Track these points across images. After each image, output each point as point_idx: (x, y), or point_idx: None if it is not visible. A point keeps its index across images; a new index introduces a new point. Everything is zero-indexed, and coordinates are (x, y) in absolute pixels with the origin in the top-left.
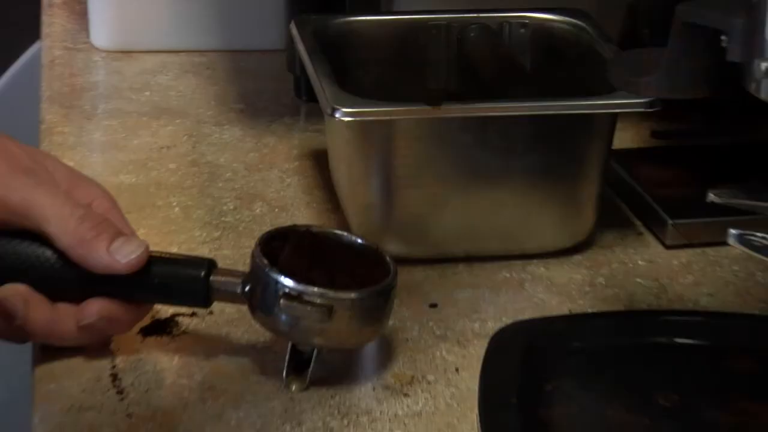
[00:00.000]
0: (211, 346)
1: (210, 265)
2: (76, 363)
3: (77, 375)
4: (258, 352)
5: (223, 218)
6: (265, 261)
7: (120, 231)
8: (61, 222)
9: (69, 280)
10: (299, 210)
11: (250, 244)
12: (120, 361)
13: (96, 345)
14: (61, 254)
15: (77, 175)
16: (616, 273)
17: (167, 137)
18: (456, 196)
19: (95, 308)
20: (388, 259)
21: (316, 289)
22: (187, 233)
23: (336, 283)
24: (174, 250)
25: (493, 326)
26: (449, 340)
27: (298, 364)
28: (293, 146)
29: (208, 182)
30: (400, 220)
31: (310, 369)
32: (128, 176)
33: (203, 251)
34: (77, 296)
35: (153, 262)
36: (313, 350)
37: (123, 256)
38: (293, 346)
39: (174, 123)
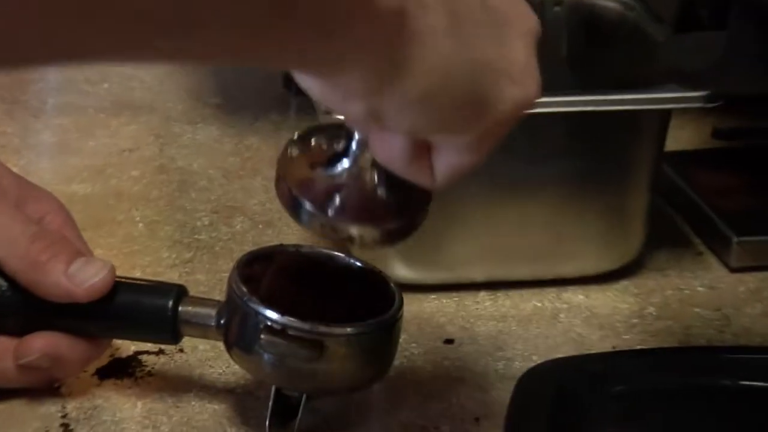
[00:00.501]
0: (180, 390)
1: (179, 292)
2: (19, 409)
3: (20, 424)
4: (237, 398)
5: (196, 236)
6: (244, 288)
7: (78, 251)
8: (9, 242)
9: (12, 309)
10: (288, 226)
11: (228, 267)
12: (72, 408)
13: (43, 388)
14: (8, 279)
15: (27, 184)
16: (670, 301)
17: (129, 138)
18: (476, 210)
19: (38, 344)
20: (392, 285)
21: (304, 322)
22: (152, 254)
23: (329, 314)
24: (137, 274)
25: (520, 366)
26: (468, 383)
27: (284, 412)
28: (280, 148)
29: (179, 192)
30: (409, 239)
31: (298, 419)
32: (82, 185)
33: (172, 276)
34: (19, 329)
35: (112, 288)
36: (302, 396)
37: (83, 281)
38: (278, 391)
39: (138, 121)
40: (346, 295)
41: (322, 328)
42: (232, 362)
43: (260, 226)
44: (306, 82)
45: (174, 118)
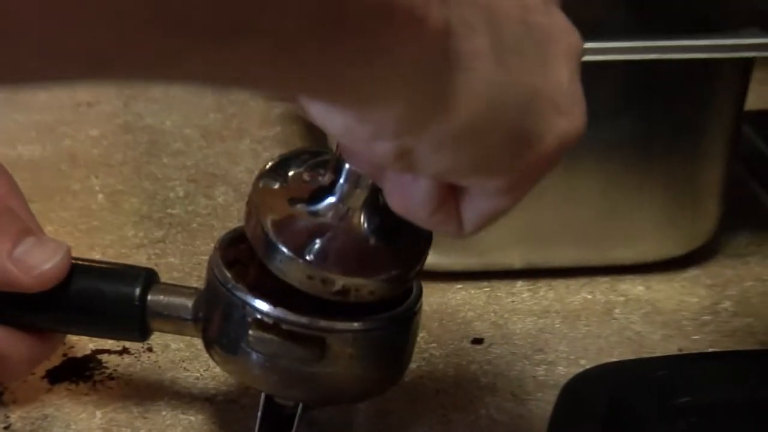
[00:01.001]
0: (148, 397)
1: (148, 278)
2: None
3: None
4: (217, 408)
5: (168, 210)
6: (228, 273)
7: (26, 228)
8: None
9: None
10: None
11: (207, 248)
12: (17, 418)
13: None
14: None
15: None
16: (750, 294)
17: (87, 89)
18: None
19: None
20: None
21: (301, 315)
22: (115, 232)
23: (331, 306)
24: (96, 257)
25: (565, 372)
26: (501, 392)
27: (276, 425)
28: (273, 104)
29: (148, 157)
30: None
31: None
32: (29, 147)
33: (139, 259)
34: None
35: (69, 273)
36: (297, 406)
37: (32, 267)
38: (268, 399)
39: None
40: None
41: (324, 323)
42: (211, 364)
43: (247, 199)
44: (325, 116)
45: None
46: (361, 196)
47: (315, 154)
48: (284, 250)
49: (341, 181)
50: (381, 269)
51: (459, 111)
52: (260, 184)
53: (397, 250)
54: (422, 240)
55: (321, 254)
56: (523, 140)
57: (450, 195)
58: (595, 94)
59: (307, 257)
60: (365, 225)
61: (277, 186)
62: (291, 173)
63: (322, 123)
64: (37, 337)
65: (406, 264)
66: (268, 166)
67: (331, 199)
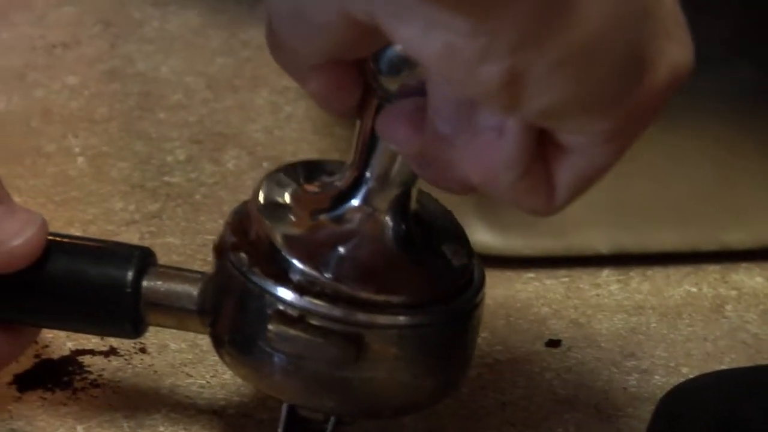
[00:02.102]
0: (142, 409)
1: (143, 259)
2: None
3: None
4: (228, 422)
5: (165, 178)
6: (243, 254)
7: None
8: None
9: None
10: None
11: (214, 226)
12: None
13: None
14: None
15: None
16: None
17: (64, 27)
18: None
19: None
20: (471, 253)
21: (333, 305)
22: (99, 205)
23: (369, 296)
24: (75, 233)
25: (662, 383)
26: (582, 406)
27: None
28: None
29: (140, 111)
30: None
31: None
32: None
33: (129, 238)
34: None
35: (45, 251)
36: (327, 420)
37: (1, 242)
38: (292, 411)
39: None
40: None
41: (362, 317)
42: (220, 368)
43: (264, 164)
44: (422, 38)
45: None
46: (388, 197)
47: (317, 163)
48: (296, 265)
49: (366, 175)
50: (415, 287)
51: (577, 25)
52: (261, 193)
53: (432, 264)
54: (462, 251)
55: (340, 267)
56: (635, 68)
57: (538, 158)
58: (702, 33)
59: (326, 274)
60: (394, 234)
61: (282, 196)
62: (299, 179)
63: (415, 48)
64: (4, 331)
65: (446, 281)
66: (268, 175)
67: (351, 202)
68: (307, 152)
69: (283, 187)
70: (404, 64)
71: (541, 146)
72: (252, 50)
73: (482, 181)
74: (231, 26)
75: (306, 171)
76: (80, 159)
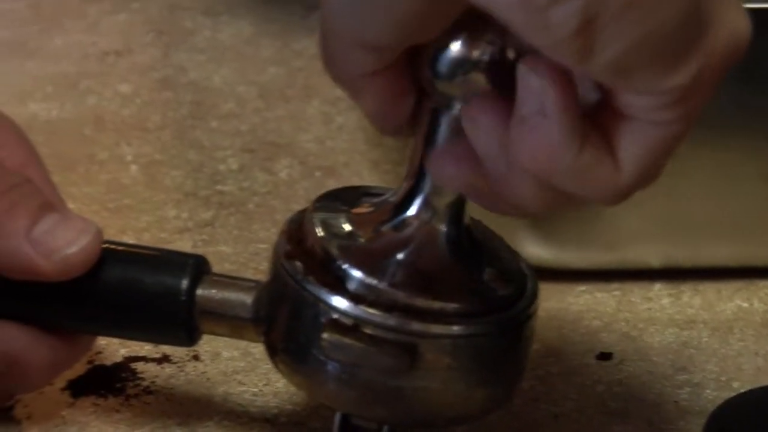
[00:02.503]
0: (194, 416)
1: (198, 268)
2: None
3: None
4: (281, 430)
5: (218, 186)
6: (298, 263)
7: (48, 203)
8: None
9: None
10: (359, 174)
11: (267, 234)
12: None
13: None
14: None
15: None
16: None
17: (117, 35)
18: None
19: None
20: (523, 266)
21: (387, 314)
22: (152, 212)
23: (422, 305)
24: (128, 241)
25: (713, 396)
26: (634, 419)
27: None
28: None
29: (192, 120)
30: None
31: None
32: (44, 105)
33: (182, 246)
34: None
35: (100, 259)
36: (381, 429)
37: (54, 249)
38: (345, 420)
39: (129, 8)
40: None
41: (416, 326)
42: (272, 377)
43: (317, 174)
44: None
45: (184, 6)
46: (444, 207)
47: (362, 188)
48: (355, 274)
49: (422, 186)
50: (469, 296)
51: None
52: (315, 212)
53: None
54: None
55: (397, 277)
56: (697, 24)
57: (595, 132)
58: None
59: (381, 282)
60: (449, 243)
61: (335, 213)
62: (347, 201)
63: None
64: (60, 339)
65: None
66: (316, 199)
67: (410, 210)
68: (359, 162)
69: (333, 210)
70: (460, 67)
71: (600, 121)
72: (304, 60)
73: (542, 169)
74: (283, 36)
75: (353, 196)
76: (133, 167)
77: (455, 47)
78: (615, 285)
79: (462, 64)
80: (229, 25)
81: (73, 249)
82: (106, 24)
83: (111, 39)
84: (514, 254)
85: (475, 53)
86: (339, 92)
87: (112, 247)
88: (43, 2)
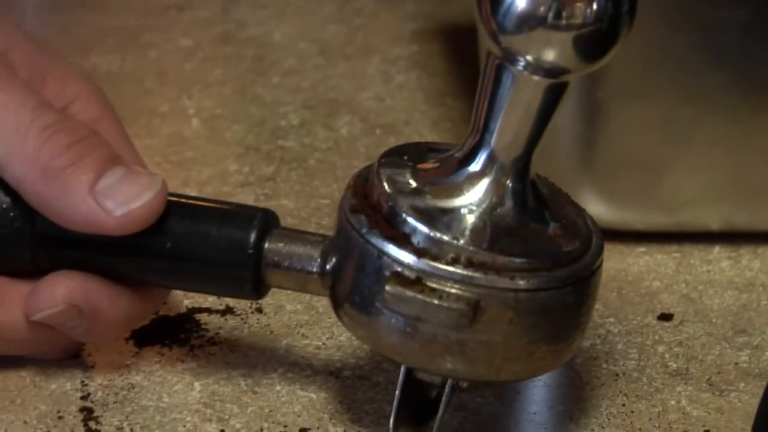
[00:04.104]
0: (259, 368)
1: (266, 221)
2: (23, 386)
3: (24, 408)
4: (344, 384)
5: (280, 141)
6: (363, 217)
7: (115, 156)
8: (13, 135)
9: (16, 238)
10: (419, 132)
11: (328, 190)
12: (98, 386)
13: (58, 357)
14: (10, 192)
15: (48, 56)
16: None
17: None
18: (715, 121)
19: (61, 290)
20: (588, 221)
21: (450, 267)
22: (214, 165)
23: (486, 259)
24: (191, 194)
25: None
26: (694, 379)
27: (417, 406)
28: (408, 14)
29: (253, 75)
30: (610, 160)
31: (438, 418)
32: (106, 58)
33: (244, 199)
34: (32, 267)
35: (167, 212)
36: (445, 382)
37: (119, 204)
38: (409, 374)
39: None
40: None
41: (478, 279)
42: (336, 331)
43: (377, 131)
44: None
45: None
46: (509, 162)
47: (428, 144)
48: (420, 227)
49: (488, 140)
50: (533, 251)
51: None
52: (381, 167)
53: (551, 229)
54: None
55: (461, 231)
56: None
57: None
58: None
59: (446, 235)
60: (514, 198)
61: (401, 168)
62: (413, 157)
63: None
64: (136, 291)
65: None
66: (382, 154)
67: (475, 168)
68: (419, 121)
69: (399, 165)
70: (526, 21)
71: None
72: (364, 19)
73: None
74: None
75: (416, 152)
76: (194, 120)
77: (522, 1)
78: (674, 247)
79: (528, 19)
80: None
81: (136, 204)
82: None
83: None
84: (580, 210)
85: (542, 8)
86: (399, 51)
87: (181, 200)
88: None
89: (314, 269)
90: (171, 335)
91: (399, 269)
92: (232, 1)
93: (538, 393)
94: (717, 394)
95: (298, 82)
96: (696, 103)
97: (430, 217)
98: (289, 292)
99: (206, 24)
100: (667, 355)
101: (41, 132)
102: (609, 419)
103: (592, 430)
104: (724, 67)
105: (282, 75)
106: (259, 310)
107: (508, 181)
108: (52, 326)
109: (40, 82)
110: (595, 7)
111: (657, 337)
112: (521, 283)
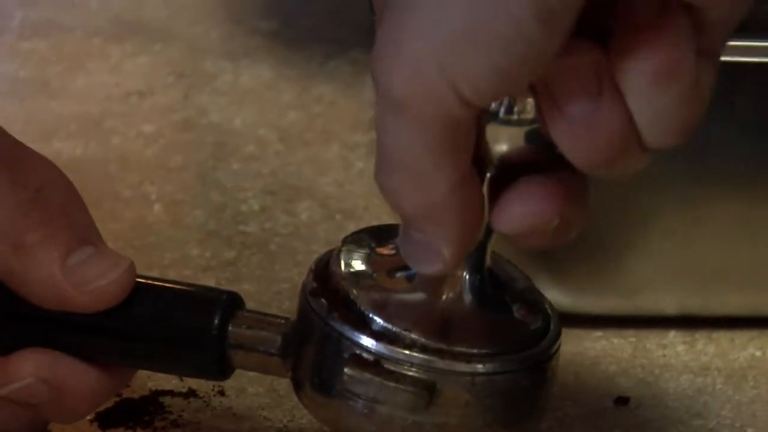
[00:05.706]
0: None
1: (230, 303)
2: None
3: None
4: None
5: (241, 227)
6: (323, 301)
7: (84, 236)
8: None
9: None
10: (378, 217)
11: (288, 274)
12: None
13: None
14: None
15: (20, 147)
16: None
17: (139, 76)
18: (671, 210)
19: (29, 365)
20: (546, 305)
21: (407, 351)
22: (176, 250)
23: (442, 347)
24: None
25: None
26: None
27: None
28: (367, 102)
29: (214, 161)
30: (566, 245)
31: None
32: (68, 144)
33: (206, 283)
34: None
35: (134, 293)
36: None
37: (87, 280)
38: None
39: (151, 50)
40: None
41: (435, 363)
42: (297, 412)
43: (337, 217)
44: None
45: (205, 50)
46: (468, 257)
47: (388, 228)
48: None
49: None
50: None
51: None
52: (339, 256)
53: (507, 315)
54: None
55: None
56: None
57: None
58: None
59: (401, 326)
60: (470, 287)
61: (359, 257)
62: (369, 248)
63: None
64: (103, 369)
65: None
66: (342, 241)
67: None
68: (378, 207)
69: (359, 250)
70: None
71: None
72: (323, 105)
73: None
74: (302, 81)
75: (378, 237)
76: (157, 206)
77: None
78: (631, 331)
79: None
80: (249, 69)
81: (106, 281)
82: (128, 65)
83: (133, 80)
84: (538, 294)
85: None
86: (358, 137)
87: (148, 281)
88: (66, 43)
89: (276, 351)
90: (135, 417)
91: (358, 351)
92: (193, 88)
93: None
94: None
95: (258, 168)
96: (651, 189)
97: (384, 306)
98: (251, 374)
99: (168, 110)
100: None
101: (13, 208)
102: None
103: None
104: (678, 155)
105: (242, 161)
106: (222, 393)
107: (464, 273)
108: (17, 402)
109: (13, 165)
110: None
111: (614, 421)
112: (478, 366)
